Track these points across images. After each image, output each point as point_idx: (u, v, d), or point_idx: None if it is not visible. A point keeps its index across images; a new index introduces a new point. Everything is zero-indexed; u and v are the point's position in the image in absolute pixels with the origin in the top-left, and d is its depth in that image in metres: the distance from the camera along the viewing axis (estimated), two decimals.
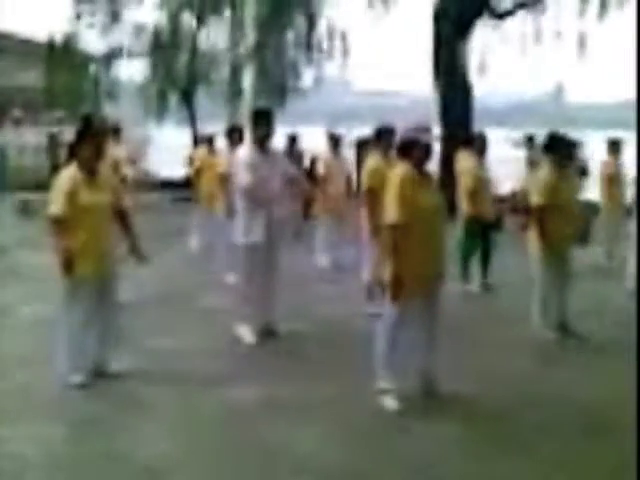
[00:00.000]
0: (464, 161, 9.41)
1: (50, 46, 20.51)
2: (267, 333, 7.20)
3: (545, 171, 7.19)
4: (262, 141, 7.02)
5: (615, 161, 10.85)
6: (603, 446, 4.93)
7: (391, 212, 5.33)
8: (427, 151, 5.49)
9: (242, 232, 7.04)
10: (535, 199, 7.09)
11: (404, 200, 5.29)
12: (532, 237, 7.23)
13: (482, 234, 9.29)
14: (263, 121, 7.03)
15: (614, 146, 10.91)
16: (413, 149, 5.46)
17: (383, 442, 5.01)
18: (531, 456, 4.77)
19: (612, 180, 10.71)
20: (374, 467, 4.65)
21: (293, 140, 14.54)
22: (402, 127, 5.64)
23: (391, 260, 5.34)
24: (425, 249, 5.39)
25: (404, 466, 4.66)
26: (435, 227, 5.48)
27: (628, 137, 9.76)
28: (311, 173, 12.87)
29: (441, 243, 5.59)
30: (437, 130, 17.06)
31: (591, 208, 10.72)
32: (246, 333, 7.11)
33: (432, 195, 5.50)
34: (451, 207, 9.63)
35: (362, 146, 11.33)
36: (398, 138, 5.70)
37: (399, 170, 5.47)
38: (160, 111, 21.54)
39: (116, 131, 11.10)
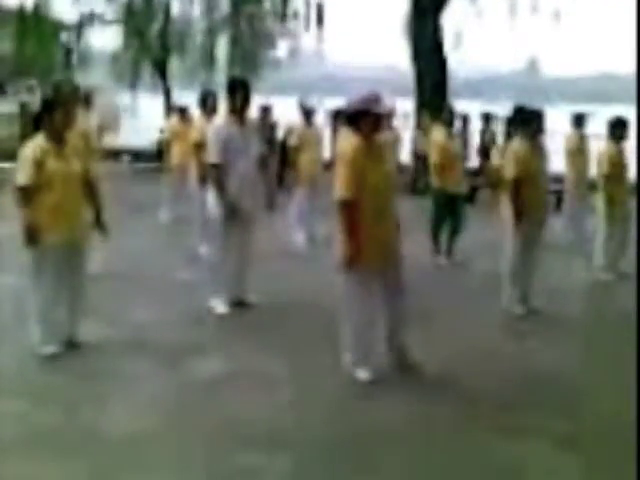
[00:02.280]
0: (435, 134, 9.42)
1: (20, 13, 20.16)
2: (239, 304, 7.18)
3: (515, 144, 7.20)
4: (238, 111, 6.93)
5: (579, 135, 10.90)
6: (562, 419, 5.01)
7: (341, 188, 5.22)
8: (377, 121, 5.30)
9: (215, 203, 6.98)
10: (507, 172, 7.11)
11: (354, 174, 5.17)
12: (504, 210, 7.25)
13: (451, 208, 9.32)
14: (240, 91, 6.92)
15: (578, 120, 10.97)
16: (362, 120, 5.26)
17: (352, 411, 5.04)
18: (493, 427, 4.84)
19: (575, 154, 10.76)
20: (342, 436, 4.68)
21: (265, 111, 14.43)
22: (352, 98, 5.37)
23: (344, 234, 5.27)
24: (377, 221, 5.28)
25: (372, 434, 4.70)
26: (387, 199, 5.39)
27: (602, 110, 9.76)
28: (286, 144, 12.77)
29: (394, 215, 5.47)
30: (412, 101, 17.09)
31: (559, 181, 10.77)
32: (217, 304, 7.09)
33: (383, 166, 5.38)
34: (423, 180, 9.76)
35: (337, 117, 11.30)
36: (347, 108, 5.46)
37: (347, 143, 5.34)
38: (133, 80, 21.32)
39: (87, 99, 10.90)
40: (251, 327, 6.78)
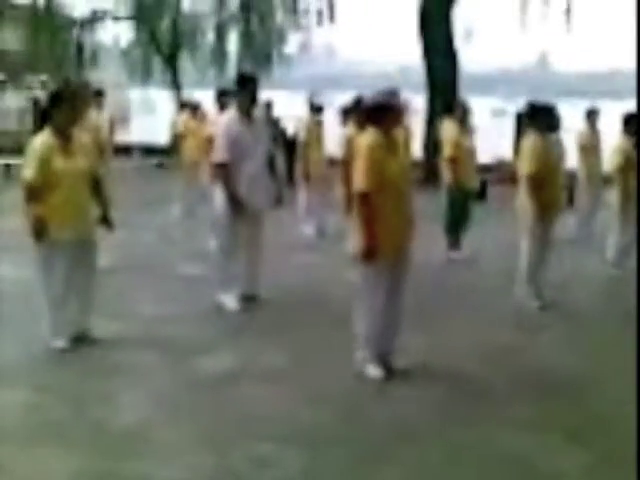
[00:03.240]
0: (447, 129, 9.38)
1: (33, 9, 20.21)
2: (249, 299, 7.17)
3: (530, 140, 7.15)
4: (247, 108, 6.88)
5: (592, 131, 10.84)
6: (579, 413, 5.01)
7: (361, 180, 5.22)
8: (397, 116, 5.34)
9: (222, 200, 6.94)
10: (526, 168, 7.07)
11: (373, 168, 5.18)
12: (521, 206, 7.24)
13: (463, 203, 9.29)
14: (248, 86, 6.86)
15: (591, 116, 10.89)
16: (384, 114, 5.28)
17: (362, 407, 5.04)
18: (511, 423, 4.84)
19: (588, 150, 10.70)
20: (352, 431, 4.68)
21: (267, 107, 14.40)
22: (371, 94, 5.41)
23: (363, 226, 5.26)
24: (394, 215, 5.28)
25: (382, 430, 4.70)
26: (403, 193, 5.39)
27: (614, 106, 9.71)
28: (295, 139, 12.76)
29: (409, 209, 5.47)
30: (423, 97, 17.04)
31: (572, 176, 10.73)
32: (228, 300, 7.09)
33: (400, 161, 5.39)
34: (434, 175, 9.73)
35: (347, 114, 11.31)
36: (366, 103, 5.47)
37: (368, 137, 5.34)
38: (145, 76, 21.36)
39: (98, 95, 10.87)
40: (261, 322, 6.78)
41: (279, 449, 4.40)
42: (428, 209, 10.06)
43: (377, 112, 5.32)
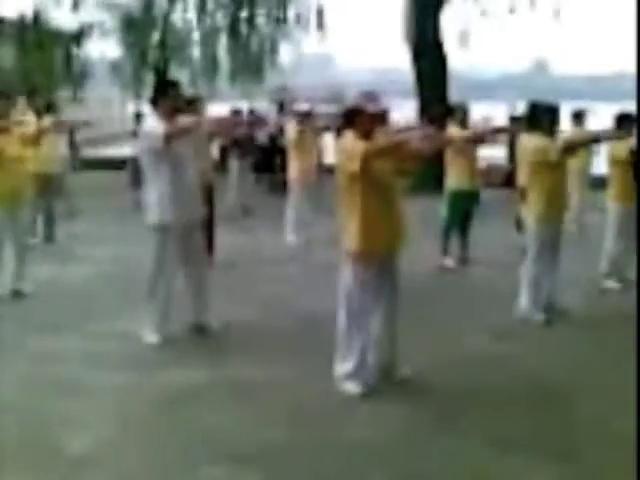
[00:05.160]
0: (449, 132, 9.15)
1: (20, 24, 20.02)
2: (197, 330, 6.63)
3: (533, 142, 6.90)
4: (170, 116, 6.15)
5: (579, 132, 10.73)
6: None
7: (350, 166, 5.04)
8: (371, 120, 5.17)
9: (154, 210, 6.29)
10: (529, 171, 6.83)
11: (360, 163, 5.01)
12: (524, 212, 6.99)
13: (464, 208, 9.15)
14: (170, 93, 6.23)
15: (577, 117, 11.02)
16: (358, 118, 5.18)
17: (332, 425, 4.83)
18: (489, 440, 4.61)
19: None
20: (317, 449, 4.49)
21: (236, 115, 14.00)
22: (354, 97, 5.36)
23: (352, 220, 5.14)
24: (381, 217, 5.16)
25: (349, 450, 4.49)
26: (391, 196, 5.26)
27: (614, 109, 9.50)
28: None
29: (397, 214, 5.32)
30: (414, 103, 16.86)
31: None
32: (148, 334, 6.42)
33: (383, 164, 5.18)
34: (438, 181, 9.57)
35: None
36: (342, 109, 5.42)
37: (346, 140, 5.20)
38: (137, 89, 21.16)
39: (50, 107, 10.77)
40: (231, 339, 6.54)
41: (234, 470, 4.22)
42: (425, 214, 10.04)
43: (354, 116, 5.24)
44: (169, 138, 5.98)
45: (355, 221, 5.16)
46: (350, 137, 5.20)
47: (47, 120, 9.57)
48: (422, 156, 5.53)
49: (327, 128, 10.55)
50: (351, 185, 5.14)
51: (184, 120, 6.26)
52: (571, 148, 6.76)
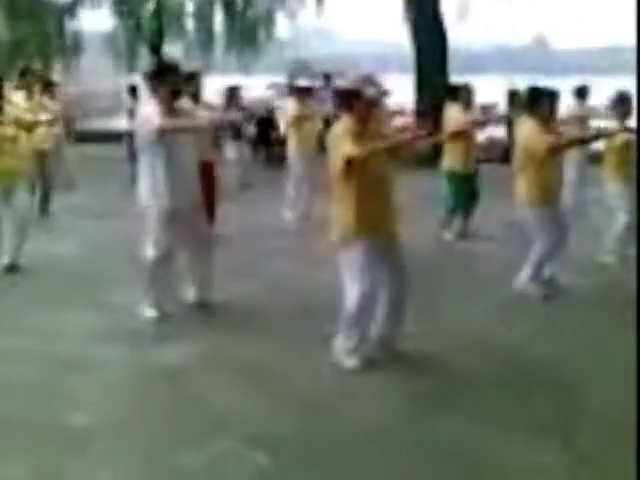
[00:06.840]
0: (451, 113, 9.07)
1: None
2: (200, 306, 6.57)
3: (527, 128, 6.76)
4: (169, 101, 6.03)
5: (580, 107, 10.78)
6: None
7: (346, 151, 4.93)
8: (371, 106, 5.16)
9: (149, 192, 6.19)
10: (532, 149, 6.72)
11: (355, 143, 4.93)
12: (525, 192, 6.85)
13: (467, 186, 9.10)
14: (169, 77, 6.05)
15: (580, 92, 10.93)
16: (353, 101, 5.11)
17: (330, 402, 4.81)
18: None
19: (575, 121, 10.45)
20: (314, 429, 4.46)
21: (233, 92, 13.87)
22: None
23: (345, 201, 5.08)
24: (374, 202, 5.09)
25: (347, 428, 4.47)
26: (384, 178, 5.20)
27: (614, 83, 9.40)
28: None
29: (391, 195, 5.26)
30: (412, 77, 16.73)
31: None
32: (148, 311, 6.36)
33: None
34: (435, 156, 9.51)
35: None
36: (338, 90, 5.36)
37: (342, 124, 5.14)
38: (131, 62, 20.97)
39: (48, 84, 10.92)
40: (231, 314, 6.48)
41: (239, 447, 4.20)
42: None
43: (348, 99, 5.19)
44: (163, 132, 5.89)
45: (347, 207, 5.09)
46: (344, 123, 5.13)
47: (45, 102, 10.02)
48: (414, 150, 5.45)
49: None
50: (341, 172, 5.04)
51: (184, 121, 6.18)
52: (556, 149, 6.67)
